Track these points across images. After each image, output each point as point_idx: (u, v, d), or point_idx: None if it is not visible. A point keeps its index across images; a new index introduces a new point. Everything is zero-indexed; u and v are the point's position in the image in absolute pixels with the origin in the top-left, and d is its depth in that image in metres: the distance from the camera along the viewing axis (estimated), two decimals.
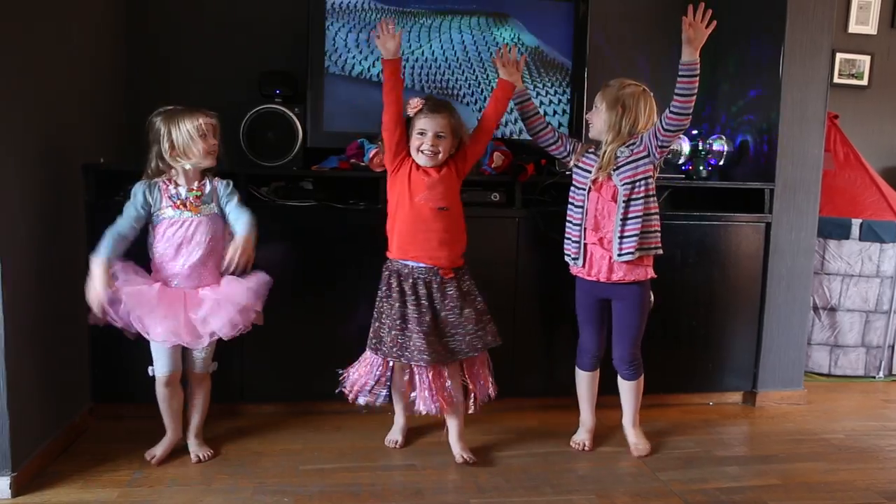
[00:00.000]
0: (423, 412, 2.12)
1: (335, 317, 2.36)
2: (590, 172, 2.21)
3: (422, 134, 2.08)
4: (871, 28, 3.51)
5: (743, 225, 2.70)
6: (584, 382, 2.34)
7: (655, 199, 2.19)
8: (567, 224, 2.28)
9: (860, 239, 3.11)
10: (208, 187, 2.10)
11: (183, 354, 2.12)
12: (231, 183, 2.14)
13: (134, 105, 2.75)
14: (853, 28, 3.49)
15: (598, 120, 2.21)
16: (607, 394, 2.35)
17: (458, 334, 2.12)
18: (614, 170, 2.16)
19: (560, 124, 2.81)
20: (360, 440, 2.27)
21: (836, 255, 3.13)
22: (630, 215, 2.14)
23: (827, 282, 3.16)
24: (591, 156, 2.23)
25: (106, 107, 2.54)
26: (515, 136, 2.75)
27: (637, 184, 2.14)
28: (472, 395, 2.19)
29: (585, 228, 2.22)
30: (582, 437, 2.33)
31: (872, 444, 2.44)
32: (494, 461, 2.20)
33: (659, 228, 2.20)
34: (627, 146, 2.16)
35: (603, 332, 2.31)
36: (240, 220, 2.08)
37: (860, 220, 3.10)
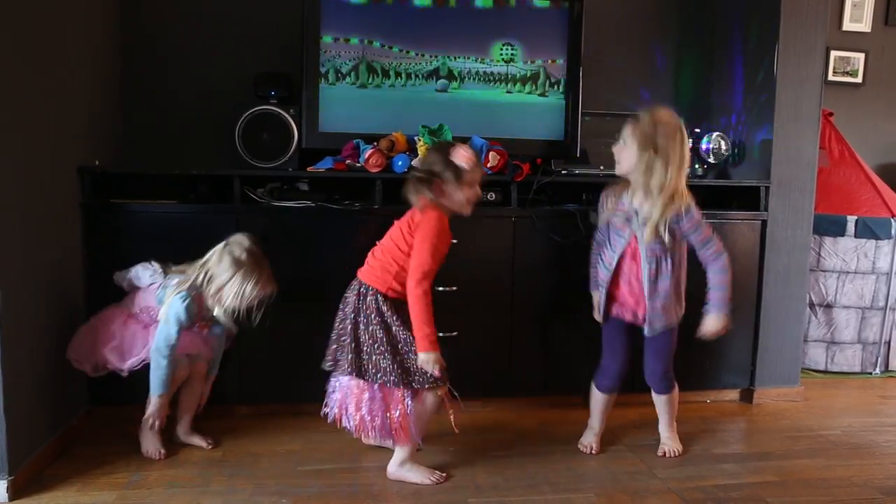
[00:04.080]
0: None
1: (332, 318, 2.36)
2: (623, 237, 2.13)
3: (473, 185, 2.05)
4: (865, 26, 3.52)
5: (739, 223, 2.71)
6: (600, 403, 2.30)
7: (683, 265, 2.18)
8: (592, 282, 2.26)
9: (855, 236, 3.12)
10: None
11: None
12: None
13: (130, 106, 2.76)
14: (847, 26, 3.51)
15: (627, 158, 2.10)
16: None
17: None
18: (646, 244, 2.10)
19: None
20: (358, 441, 2.26)
21: (832, 252, 3.14)
22: (660, 291, 2.13)
23: (823, 279, 3.17)
24: (623, 217, 2.14)
25: (101, 108, 2.54)
26: (511, 136, 2.76)
27: (666, 257, 2.11)
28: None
29: (619, 284, 2.17)
30: (589, 440, 2.30)
31: (869, 440, 2.44)
32: (492, 460, 2.20)
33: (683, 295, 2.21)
34: (665, 216, 2.06)
35: (628, 358, 2.24)
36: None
37: (855, 217, 3.11)
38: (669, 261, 2.12)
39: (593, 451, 2.28)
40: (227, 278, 2.08)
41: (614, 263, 2.16)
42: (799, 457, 2.29)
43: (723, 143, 2.83)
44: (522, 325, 2.59)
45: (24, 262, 1.94)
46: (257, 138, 2.52)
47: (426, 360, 1.95)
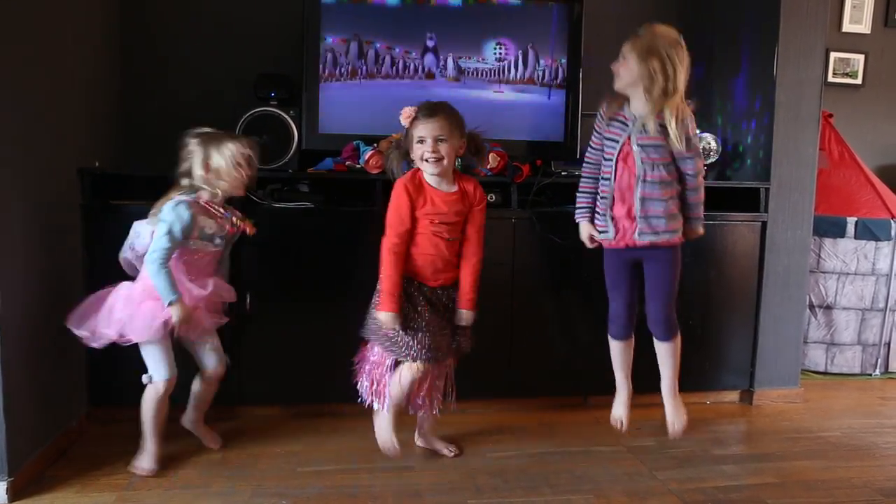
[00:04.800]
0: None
1: (332, 319, 2.36)
2: (617, 142, 2.12)
3: (421, 142, 1.99)
4: (864, 27, 3.52)
5: (739, 224, 2.71)
6: (618, 351, 2.29)
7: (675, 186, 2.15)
8: (599, 198, 2.21)
9: (855, 237, 3.12)
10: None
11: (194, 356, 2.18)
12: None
13: (130, 108, 2.76)
14: (847, 27, 3.51)
15: (627, 71, 2.09)
16: (607, 394, 2.36)
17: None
18: (639, 145, 2.08)
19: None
20: (358, 442, 2.27)
21: (832, 254, 3.14)
22: (649, 196, 2.09)
23: (823, 280, 3.17)
24: (620, 124, 2.13)
25: (102, 109, 2.54)
26: (511, 138, 2.76)
27: (657, 166, 2.09)
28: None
29: (614, 200, 2.14)
30: (619, 414, 2.31)
31: (869, 442, 2.44)
32: (492, 462, 2.20)
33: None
34: (662, 124, 2.07)
35: (635, 297, 2.22)
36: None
37: (855, 219, 3.11)
38: (663, 170, 2.09)
39: (623, 428, 2.29)
40: (203, 151, 2.03)
41: (613, 169, 2.12)
42: (799, 458, 2.29)
43: (713, 143, 2.83)
44: (522, 326, 2.58)
45: (24, 264, 1.94)
46: (258, 140, 2.52)
47: (380, 317, 2.01)
